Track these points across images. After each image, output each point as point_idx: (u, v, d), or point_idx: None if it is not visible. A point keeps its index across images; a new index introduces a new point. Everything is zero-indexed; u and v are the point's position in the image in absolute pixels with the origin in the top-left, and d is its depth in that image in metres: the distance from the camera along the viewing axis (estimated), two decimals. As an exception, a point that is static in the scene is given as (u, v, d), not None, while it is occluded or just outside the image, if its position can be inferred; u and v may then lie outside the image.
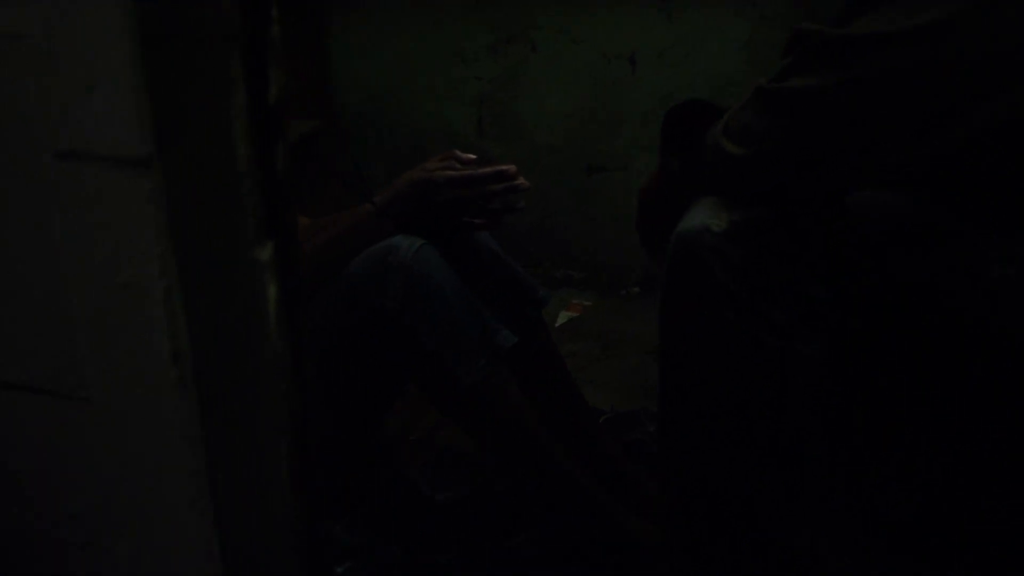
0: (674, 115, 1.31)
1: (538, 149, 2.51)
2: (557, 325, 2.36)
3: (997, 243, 1.14)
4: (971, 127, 1.04)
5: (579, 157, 2.48)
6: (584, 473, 1.46)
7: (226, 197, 0.77)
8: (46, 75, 0.69)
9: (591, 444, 1.59)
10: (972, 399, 1.20)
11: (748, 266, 1.14)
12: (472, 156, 1.49)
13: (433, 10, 2.47)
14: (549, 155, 2.50)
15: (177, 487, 0.78)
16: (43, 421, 0.80)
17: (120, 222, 0.73)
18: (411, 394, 1.56)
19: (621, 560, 1.45)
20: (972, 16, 1.00)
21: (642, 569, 1.44)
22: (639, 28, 2.33)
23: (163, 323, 0.75)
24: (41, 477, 0.82)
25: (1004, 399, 1.18)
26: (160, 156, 0.73)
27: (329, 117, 2.61)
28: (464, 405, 1.44)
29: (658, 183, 1.33)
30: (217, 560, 0.80)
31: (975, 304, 1.14)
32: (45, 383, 0.78)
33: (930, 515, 1.39)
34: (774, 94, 1.11)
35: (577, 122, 2.46)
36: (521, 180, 1.47)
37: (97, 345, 0.76)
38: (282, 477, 0.77)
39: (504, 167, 1.46)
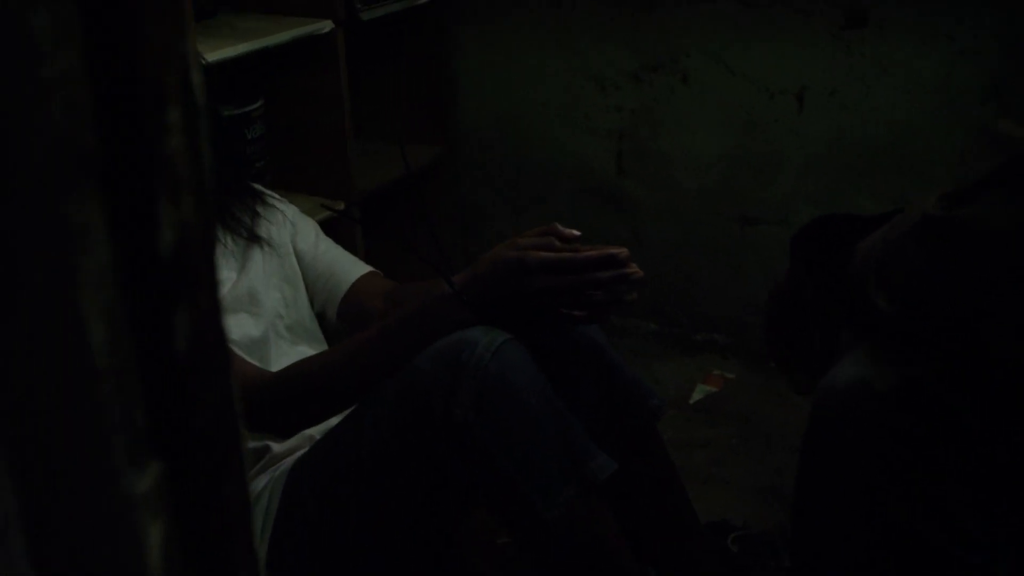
0: (808, 231, 1.01)
1: (683, 193, 2.22)
2: (691, 401, 2.05)
3: None
4: None
5: (730, 205, 2.19)
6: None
7: (79, 403, 0.50)
8: None
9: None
10: None
11: (919, 441, 0.83)
12: (575, 233, 1.22)
13: (570, 31, 2.22)
14: (696, 201, 2.22)
15: None
16: None
17: None
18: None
19: None
20: None
21: None
22: (808, 59, 2.01)
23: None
24: None
25: None
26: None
27: (451, 144, 2.40)
28: (544, 542, 1.17)
29: (789, 297, 1.05)
30: None
31: None
32: None
33: None
34: (953, 226, 0.78)
35: (730, 165, 2.16)
36: (633, 268, 1.19)
37: None
38: None
39: (614, 250, 1.18)
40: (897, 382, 0.84)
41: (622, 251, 1.18)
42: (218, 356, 0.56)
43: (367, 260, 1.82)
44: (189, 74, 0.54)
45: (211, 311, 0.57)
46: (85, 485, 0.49)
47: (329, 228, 1.64)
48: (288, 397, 1.27)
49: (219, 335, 0.56)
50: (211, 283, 0.56)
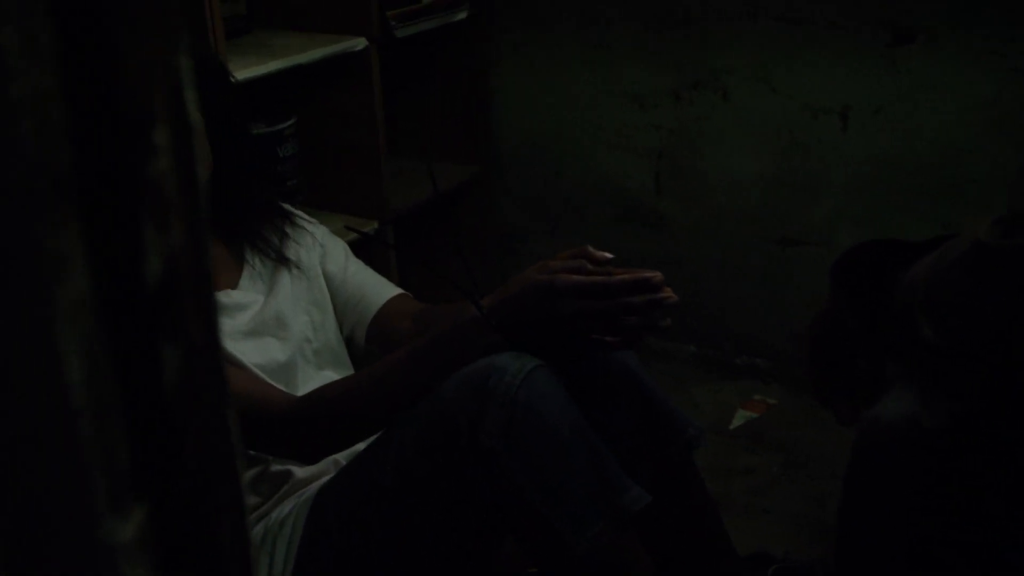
0: (850, 257, 0.97)
1: (723, 213, 2.17)
2: (731, 427, 2.00)
3: None
4: None
5: (771, 226, 2.13)
6: None
7: (54, 444, 0.46)
8: None
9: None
10: None
11: (969, 480, 0.78)
12: (608, 255, 1.18)
13: (608, 48, 2.17)
14: (736, 221, 2.16)
15: None
16: None
17: None
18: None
19: None
20: None
21: None
22: (854, 77, 1.95)
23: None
24: None
25: None
26: None
27: (486, 164, 2.37)
28: (573, 576, 1.12)
29: (831, 325, 1.00)
30: None
31: None
32: None
33: None
34: (1007, 254, 0.73)
35: (771, 185, 2.10)
36: (668, 292, 1.14)
37: None
38: None
39: (647, 274, 1.14)
40: (946, 419, 0.79)
41: (656, 275, 1.14)
42: (212, 393, 0.52)
43: (400, 281, 1.79)
44: (182, 90, 0.51)
45: (206, 345, 0.53)
46: (62, 533, 0.45)
47: (361, 248, 1.62)
48: (312, 422, 1.24)
49: (214, 370, 0.53)
50: (206, 315, 0.52)
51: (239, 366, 1.30)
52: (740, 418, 2.04)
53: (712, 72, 2.08)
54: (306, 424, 1.24)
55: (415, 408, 1.18)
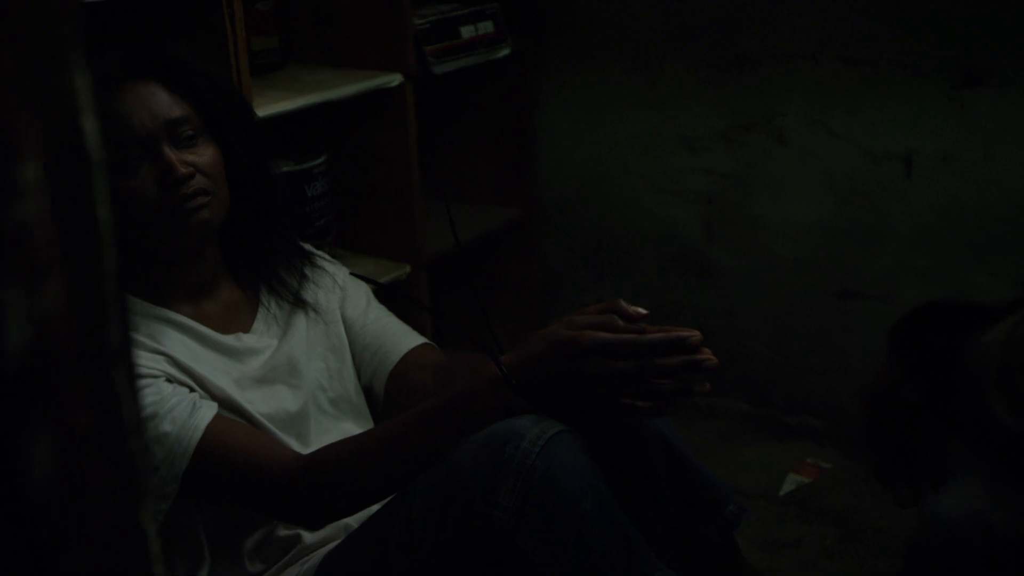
0: (912, 321, 0.87)
1: (778, 263, 2.10)
2: (781, 493, 1.90)
3: None
4: None
5: (829, 277, 2.06)
6: None
7: None
8: None
9: None
10: None
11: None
12: (641, 311, 1.09)
13: (658, 88, 2.13)
14: (791, 272, 2.09)
15: None
16: None
17: None
18: None
19: None
20: None
21: None
22: (919, 121, 1.88)
23: None
24: None
25: None
26: None
27: (529, 206, 2.30)
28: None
29: (887, 395, 0.90)
30: None
31: None
32: None
33: None
34: None
35: (829, 234, 2.03)
36: (706, 354, 1.05)
37: None
38: None
39: (684, 333, 1.05)
40: (1020, 519, 0.68)
41: (694, 334, 1.04)
42: (112, 492, 0.43)
43: (432, 327, 1.70)
44: (77, 117, 0.42)
45: (98, 434, 0.43)
46: None
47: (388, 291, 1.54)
48: (318, 484, 1.15)
49: (121, 463, 0.43)
50: (101, 395, 0.43)
51: (245, 417, 1.22)
52: (791, 483, 1.96)
53: (767, 114, 2.03)
54: (311, 486, 1.15)
55: (426, 474, 1.08)
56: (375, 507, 1.20)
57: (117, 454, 0.42)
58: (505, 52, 2.10)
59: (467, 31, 2.00)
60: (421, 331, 1.45)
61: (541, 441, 1.02)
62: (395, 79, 1.82)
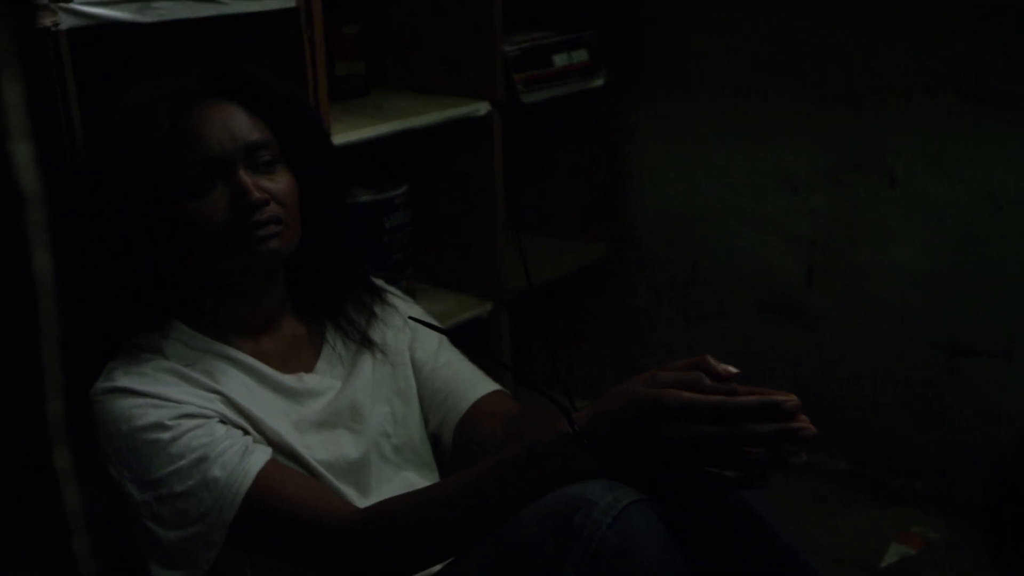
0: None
1: (882, 313, 2.04)
2: (883, 564, 1.80)
3: None
4: None
5: (939, 331, 1.99)
6: None
7: None
8: None
9: None
10: None
11: None
12: (732, 370, 0.99)
13: (758, 123, 2.08)
14: (897, 323, 2.03)
15: None
16: None
17: None
18: None
19: None
20: None
21: None
22: None
23: None
24: None
25: None
26: None
27: (618, 243, 2.26)
28: None
29: (1017, 481, 0.79)
30: None
31: None
32: None
33: None
34: None
35: (941, 284, 1.97)
36: (804, 421, 0.95)
37: None
38: None
39: (780, 397, 0.95)
40: None
41: (790, 398, 0.94)
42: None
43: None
44: (3, 143, 0.34)
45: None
46: None
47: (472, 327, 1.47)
48: (378, 539, 1.08)
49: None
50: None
51: (301, 463, 1.16)
52: (893, 554, 1.86)
53: (876, 153, 1.97)
54: (371, 540, 1.08)
55: (489, 538, 1.00)
56: (434, 569, 1.12)
57: None
58: (599, 83, 2.07)
59: (560, 59, 1.96)
60: (497, 376, 1.38)
61: (614, 511, 0.94)
62: (482, 107, 1.78)
